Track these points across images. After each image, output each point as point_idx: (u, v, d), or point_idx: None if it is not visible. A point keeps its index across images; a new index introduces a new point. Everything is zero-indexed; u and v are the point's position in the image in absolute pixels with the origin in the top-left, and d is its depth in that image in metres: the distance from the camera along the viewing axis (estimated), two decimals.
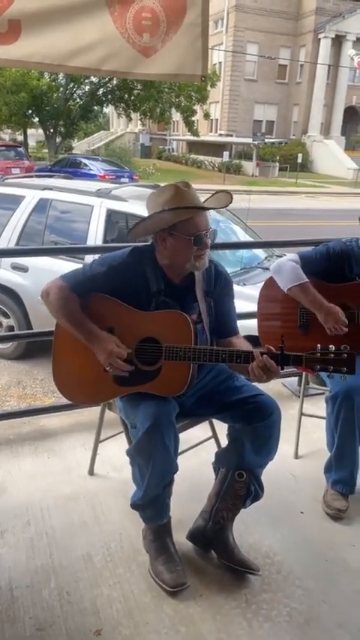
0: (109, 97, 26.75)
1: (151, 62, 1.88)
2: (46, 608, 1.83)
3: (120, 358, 1.87)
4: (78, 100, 26.99)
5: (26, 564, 2.01)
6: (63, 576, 1.96)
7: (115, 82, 24.16)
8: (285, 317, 2.60)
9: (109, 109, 36.78)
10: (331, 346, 1.75)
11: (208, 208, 1.92)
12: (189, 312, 1.93)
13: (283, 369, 1.81)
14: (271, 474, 2.06)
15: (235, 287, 2.26)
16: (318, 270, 2.45)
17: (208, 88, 25.28)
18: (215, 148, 32.85)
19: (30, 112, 25.72)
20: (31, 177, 7.30)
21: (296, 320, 2.55)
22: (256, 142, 30.65)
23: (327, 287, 2.44)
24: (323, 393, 2.53)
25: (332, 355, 1.74)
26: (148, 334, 1.90)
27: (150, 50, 1.87)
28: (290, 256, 2.49)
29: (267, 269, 3.51)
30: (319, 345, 1.79)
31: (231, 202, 1.93)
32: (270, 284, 2.59)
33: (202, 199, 1.93)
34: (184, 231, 1.86)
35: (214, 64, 33.88)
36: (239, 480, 1.98)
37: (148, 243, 2.02)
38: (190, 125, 27.47)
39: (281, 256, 2.56)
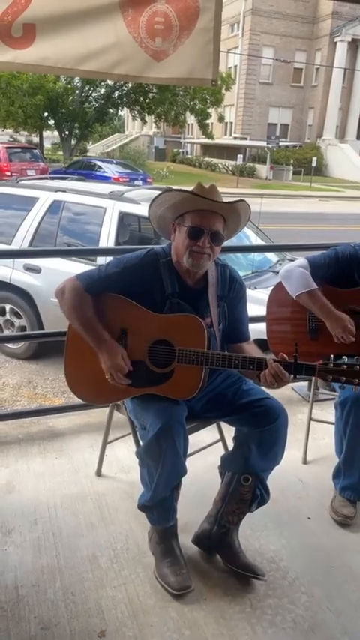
0: (124, 99, 26.93)
1: (163, 66, 1.89)
2: (51, 607, 1.84)
3: (121, 373, 1.90)
4: (93, 102, 27.20)
5: (32, 563, 2.02)
6: (68, 576, 1.97)
7: (130, 84, 24.28)
8: (294, 322, 2.59)
9: (124, 112, 36.98)
10: (344, 357, 1.75)
11: (202, 196, 1.80)
12: (202, 315, 1.94)
13: (295, 377, 1.80)
14: (278, 478, 2.06)
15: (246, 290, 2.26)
16: (327, 275, 2.44)
17: (223, 91, 25.26)
18: (229, 151, 32.85)
19: (46, 114, 25.97)
20: (46, 179, 7.37)
21: (305, 325, 2.54)
22: (270, 146, 30.57)
23: (336, 292, 2.43)
24: (333, 399, 2.52)
25: (345, 367, 1.74)
26: (162, 337, 1.90)
27: (162, 54, 1.88)
28: (299, 262, 2.47)
29: (278, 273, 3.50)
30: (332, 356, 1.78)
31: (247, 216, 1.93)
32: (279, 288, 2.58)
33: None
34: (185, 222, 1.88)
35: (230, 68, 33.90)
36: (245, 484, 1.97)
37: (164, 245, 2.04)
38: (204, 128, 27.51)
39: (293, 260, 2.55)
